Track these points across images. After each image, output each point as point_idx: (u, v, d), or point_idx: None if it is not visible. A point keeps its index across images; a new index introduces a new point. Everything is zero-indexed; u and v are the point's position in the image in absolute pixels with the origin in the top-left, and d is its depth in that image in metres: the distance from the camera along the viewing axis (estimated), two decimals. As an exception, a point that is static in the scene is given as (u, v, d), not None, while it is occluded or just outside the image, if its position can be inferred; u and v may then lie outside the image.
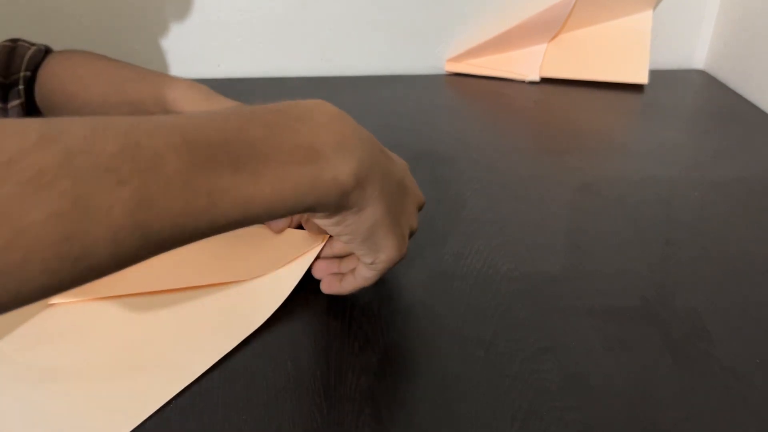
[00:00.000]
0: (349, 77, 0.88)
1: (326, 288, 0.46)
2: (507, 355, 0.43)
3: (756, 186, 0.63)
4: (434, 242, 0.54)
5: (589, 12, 0.84)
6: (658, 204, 0.60)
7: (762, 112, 0.80)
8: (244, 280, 0.47)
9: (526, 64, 0.87)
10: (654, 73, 0.86)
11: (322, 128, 0.34)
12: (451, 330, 0.45)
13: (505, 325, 0.45)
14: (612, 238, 0.55)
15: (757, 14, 0.82)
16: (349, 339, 0.44)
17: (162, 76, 0.55)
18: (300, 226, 0.51)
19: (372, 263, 0.41)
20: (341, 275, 0.45)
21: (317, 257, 0.47)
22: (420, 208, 0.45)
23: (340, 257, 0.47)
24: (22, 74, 0.56)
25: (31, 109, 0.58)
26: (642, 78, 0.84)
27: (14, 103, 0.56)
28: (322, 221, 0.37)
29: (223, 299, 0.46)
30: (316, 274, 0.47)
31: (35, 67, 0.57)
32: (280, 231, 0.51)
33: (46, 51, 0.58)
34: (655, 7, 0.87)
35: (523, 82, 0.87)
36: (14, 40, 0.58)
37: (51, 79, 0.57)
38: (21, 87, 0.56)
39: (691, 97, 0.86)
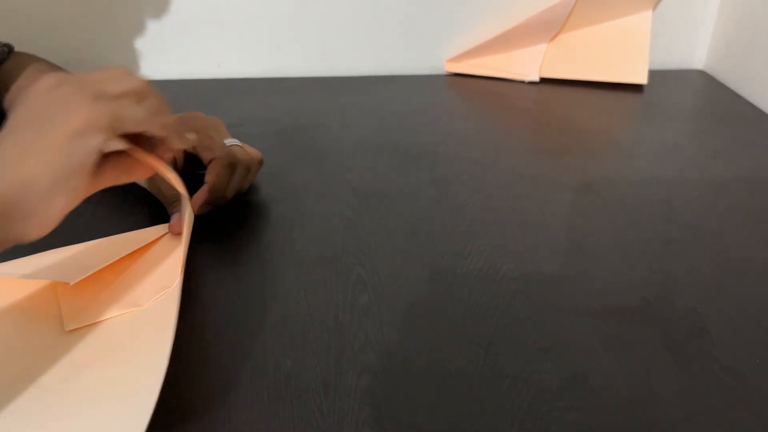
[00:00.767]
0: (349, 77, 0.88)
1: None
2: (507, 355, 0.43)
3: (756, 186, 0.63)
4: (434, 242, 0.54)
5: (589, 12, 0.84)
6: (658, 204, 0.60)
7: (761, 112, 0.80)
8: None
9: (526, 65, 0.87)
10: (653, 74, 0.86)
11: None
12: (451, 330, 0.45)
13: (505, 325, 0.45)
14: (612, 238, 0.55)
15: (756, 15, 0.82)
16: (349, 339, 0.44)
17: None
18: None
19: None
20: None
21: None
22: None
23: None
24: None
25: None
26: (642, 78, 0.85)
27: None
28: None
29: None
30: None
31: None
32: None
33: (9, 51, 0.62)
34: (654, 8, 0.87)
35: (523, 82, 0.87)
36: None
37: (9, 76, 0.61)
38: None
39: (691, 98, 0.86)
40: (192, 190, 0.50)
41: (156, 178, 0.53)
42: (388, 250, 0.53)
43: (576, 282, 0.49)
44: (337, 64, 0.88)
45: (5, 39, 0.66)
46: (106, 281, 0.46)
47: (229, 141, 0.56)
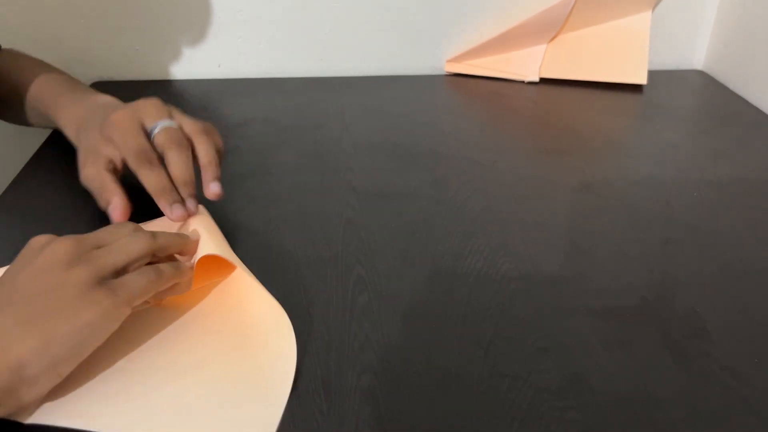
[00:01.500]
0: (348, 78, 0.88)
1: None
2: (507, 355, 0.43)
3: (756, 186, 0.63)
4: (434, 242, 0.54)
5: (588, 12, 0.84)
6: (657, 204, 0.60)
7: (761, 112, 0.80)
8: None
9: (526, 65, 0.87)
10: (653, 74, 0.86)
11: None
12: (451, 330, 0.45)
13: (505, 325, 0.45)
14: (611, 238, 0.55)
15: (756, 15, 0.82)
16: (349, 339, 0.44)
17: (51, 105, 0.59)
18: None
19: None
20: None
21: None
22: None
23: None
24: None
25: None
26: (641, 78, 0.85)
27: None
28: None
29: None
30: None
31: None
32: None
33: None
34: (654, 8, 0.87)
35: (522, 82, 0.87)
36: None
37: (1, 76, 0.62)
38: None
39: (690, 98, 0.86)
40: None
41: (84, 170, 0.51)
42: (388, 250, 0.53)
43: (576, 282, 0.50)
44: (337, 64, 0.88)
45: (5, 36, 0.66)
46: None
47: (159, 125, 0.51)
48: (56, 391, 0.37)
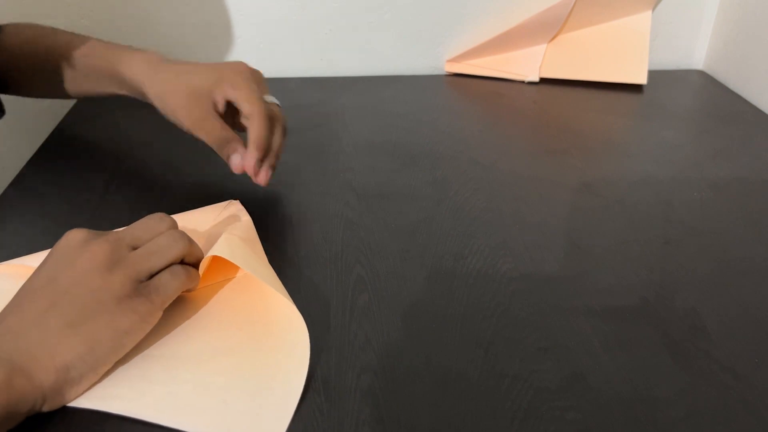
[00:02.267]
0: (348, 77, 0.88)
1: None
2: (507, 355, 0.43)
3: (755, 186, 0.63)
4: (434, 242, 0.54)
5: (588, 12, 0.84)
6: (657, 204, 0.60)
7: (761, 112, 0.80)
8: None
9: (526, 65, 0.87)
10: (653, 74, 0.86)
11: None
12: (451, 330, 0.45)
13: (505, 325, 0.45)
14: (611, 238, 0.55)
15: (756, 15, 0.82)
16: (349, 339, 0.44)
17: (115, 52, 0.59)
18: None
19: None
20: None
21: None
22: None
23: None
24: None
25: None
26: (641, 78, 0.85)
27: None
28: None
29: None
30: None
31: None
32: None
33: None
34: (654, 8, 0.87)
35: (522, 82, 0.87)
36: None
37: (14, 42, 0.61)
38: None
39: (690, 98, 0.86)
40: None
41: (198, 125, 0.52)
42: (388, 250, 0.53)
43: (576, 282, 0.50)
44: (337, 64, 0.88)
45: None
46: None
47: (269, 98, 0.55)
48: None
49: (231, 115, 0.54)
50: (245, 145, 0.52)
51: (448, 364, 0.42)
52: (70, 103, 0.78)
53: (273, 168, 0.54)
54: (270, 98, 0.55)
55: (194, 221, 0.52)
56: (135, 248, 0.41)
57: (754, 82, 0.83)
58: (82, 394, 0.38)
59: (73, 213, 0.56)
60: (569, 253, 0.53)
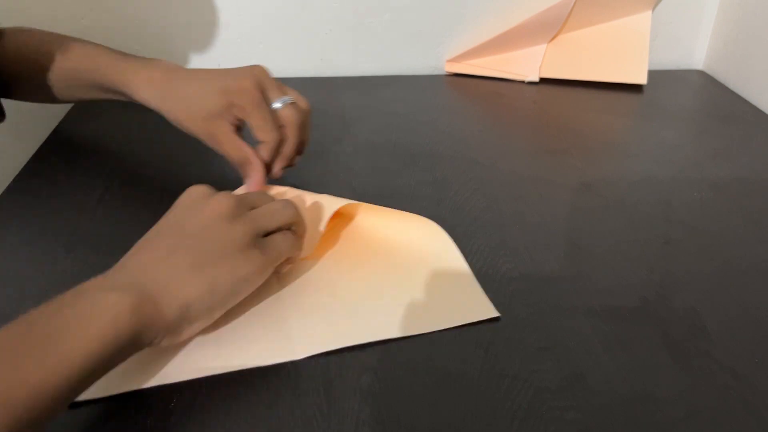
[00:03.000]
0: (348, 77, 0.88)
1: None
2: (507, 355, 0.43)
3: (755, 186, 0.63)
4: (434, 242, 0.54)
5: (588, 12, 0.84)
6: (657, 204, 0.60)
7: (761, 112, 0.80)
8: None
9: (526, 65, 0.87)
10: (653, 74, 0.86)
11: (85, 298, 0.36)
12: (451, 330, 0.45)
13: (505, 325, 0.45)
14: (612, 238, 0.55)
15: (756, 14, 0.82)
16: (350, 339, 0.44)
17: (120, 70, 0.58)
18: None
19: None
20: None
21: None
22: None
23: None
24: None
25: None
26: (641, 78, 0.85)
27: None
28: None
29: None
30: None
31: None
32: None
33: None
34: (654, 8, 0.87)
35: (522, 82, 0.87)
36: None
37: (17, 46, 0.61)
38: None
39: (690, 98, 0.86)
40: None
41: (218, 145, 0.54)
42: (388, 250, 0.53)
43: (575, 282, 0.50)
44: (337, 64, 0.88)
45: None
46: None
47: (282, 100, 0.54)
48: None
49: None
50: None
51: (448, 364, 0.42)
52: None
53: (289, 165, 0.56)
54: (284, 99, 0.54)
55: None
56: (252, 206, 0.44)
57: (754, 82, 0.83)
58: (198, 334, 0.41)
59: (73, 214, 0.56)
60: (569, 253, 0.53)
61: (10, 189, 0.60)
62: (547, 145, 0.71)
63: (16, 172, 0.63)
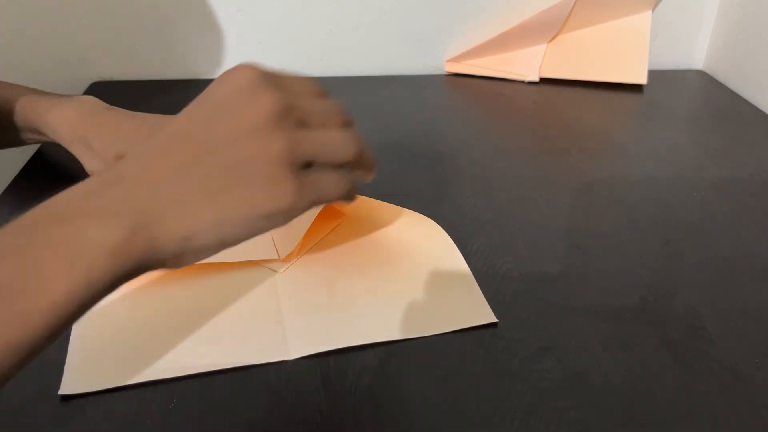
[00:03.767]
0: (348, 77, 0.88)
1: None
2: (507, 355, 0.43)
3: (755, 186, 0.63)
4: (434, 242, 0.54)
5: (588, 12, 0.84)
6: (657, 204, 0.60)
7: (761, 111, 0.80)
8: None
9: (526, 65, 0.87)
10: (653, 74, 0.86)
11: (47, 226, 0.29)
12: (451, 330, 0.45)
13: (505, 325, 0.45)
14: (611, 238, 0.55)
15: (756, 15, 0.82)
16: (350, 339, 0.44)
17: (47, 101, 0.56)
18: None
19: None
20: None
21: None
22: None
23: None
24: None
25: None
26: (641, 78, 0.85)
27: None
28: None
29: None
30: None
31: None
32: None
33: None
34: (654, 8, 0.87)
35: (522, 82, 0.87)
36: None
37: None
38: None
39: (690, 98, 0.86)
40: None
41: None
42: (388, 250, 0.53)
43: (576, 281, 0.49)
44: (337, 64, 0.88)
45: (7, 35, 0.65)
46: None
47: None
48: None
49: None
50: None
51: (448, 364, 0.42)
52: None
53: None
54: None
55: None
56: (302, 124, 0.33)
57: (754, 82, 0.83)
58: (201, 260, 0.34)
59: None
60: (569, 252, 0.53)
61: (10, 189, 0.60)
62: (547, 145, 0.71)
63: (16, 173, 0.63)
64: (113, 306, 0.45)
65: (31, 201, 0.29)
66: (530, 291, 0.48)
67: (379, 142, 0.70)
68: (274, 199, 0.31)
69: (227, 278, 0.48)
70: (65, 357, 0.41)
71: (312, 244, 0.52)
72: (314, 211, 0.50)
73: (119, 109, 0.55)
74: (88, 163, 0.53)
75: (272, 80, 0.32)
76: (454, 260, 0.49)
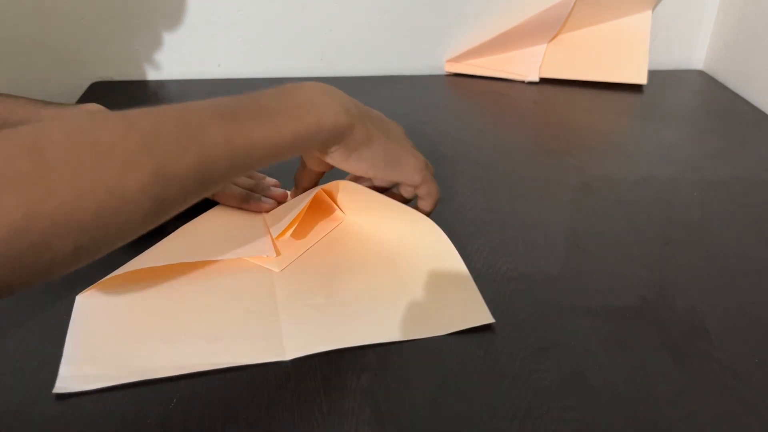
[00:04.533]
0: (348, 77, 0.88)
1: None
2: (507, 355, 0.43)
3: (755, 186, 0.63)
4: (434, 242, 0.54)
5: (588, 12, 0.84)
6: (657, 204, 0.60)
7: (761, 111, 0.80)
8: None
9: (526, 65, 0.87)
10: (653, 74, 0.86)
11: (309, 90, 0.45)
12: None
13: (505, 325, 0.45)
14: (611, 238, 0.55)
15: (756, 15, 0.82)
16: (349, 339, 0.44)
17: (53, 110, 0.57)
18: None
19: (410, 186, 0.50)
20: None
21: None
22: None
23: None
24: None
25: None
26: (641, 78, 0.85)
27: None
28: (351, 164, 0.47)
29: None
30: None
31: None
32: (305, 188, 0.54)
33: None
34: (654, 8, 0.87)
35: (522, 82, 0.87)
36: None
37: None
38: None
39: (690, 98, 0.86)
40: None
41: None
42: (388, 250, 0.53)
43: (575, 281, 0.49)
44: (337, 64, 0.88)
45: (7, 35, 0.65)
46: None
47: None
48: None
49: None
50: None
51: (448, 364, 0.42)
52: (74, 98, 0.78)
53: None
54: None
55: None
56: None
57: (754, 82, 0.83)
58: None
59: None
60: (569, 252, 0.53)
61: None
62: (547, 145, 0.71)
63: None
64: (110, 304, 0.45)
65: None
66: (530, 291, 0.48)
67: (379, 142, 0.70)
68: (417, 157, 0.49)
69: (225, 277, 0.48)
70: (62, 357, 0.41)
71: (311, 245, 0.52)
72: (306, 196, 0.51)
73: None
74: None
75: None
76: (452, 261, 0.49)
